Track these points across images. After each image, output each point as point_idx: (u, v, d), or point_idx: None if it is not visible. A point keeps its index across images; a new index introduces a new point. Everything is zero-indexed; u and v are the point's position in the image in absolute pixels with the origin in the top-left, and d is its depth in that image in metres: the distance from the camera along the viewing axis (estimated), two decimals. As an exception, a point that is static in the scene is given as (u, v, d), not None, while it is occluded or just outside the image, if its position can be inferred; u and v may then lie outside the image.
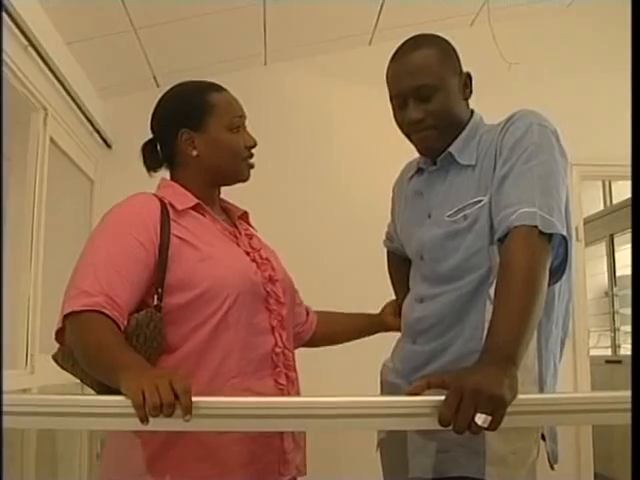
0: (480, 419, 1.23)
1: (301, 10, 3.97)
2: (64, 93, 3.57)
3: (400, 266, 2.08)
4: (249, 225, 1.94)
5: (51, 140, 3.43)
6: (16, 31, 2.84)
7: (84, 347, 1.49)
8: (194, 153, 1.78)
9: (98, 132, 4.20)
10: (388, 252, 2.21)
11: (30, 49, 3.04)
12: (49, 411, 1.30)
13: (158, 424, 1.23)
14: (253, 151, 1.83)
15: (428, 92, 1.72)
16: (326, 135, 4.55)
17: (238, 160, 1.80)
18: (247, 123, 1.85)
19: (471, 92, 1.80)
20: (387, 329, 2.07)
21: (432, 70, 1.72)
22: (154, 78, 4.30)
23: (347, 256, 4.21)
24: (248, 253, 1.77)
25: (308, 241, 4.15)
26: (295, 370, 1.79)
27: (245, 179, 1.84)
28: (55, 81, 3.41)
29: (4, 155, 2.57)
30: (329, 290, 3.77)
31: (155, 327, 1.59)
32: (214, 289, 1.63)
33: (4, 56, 2.70)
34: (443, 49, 1.77)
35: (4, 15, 2.64)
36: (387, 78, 1.80)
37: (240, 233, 1.85)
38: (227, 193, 1.92)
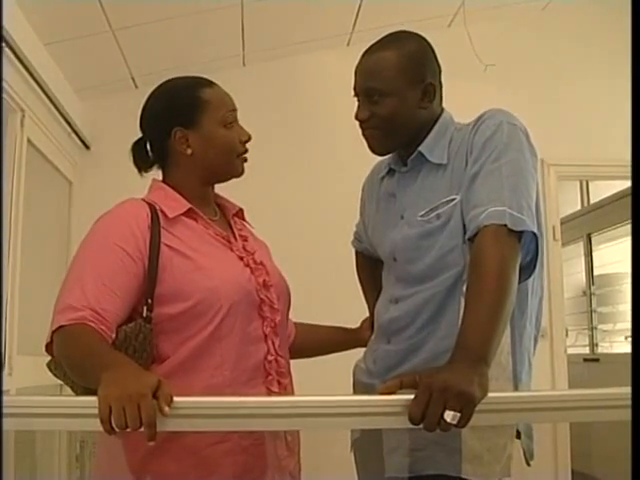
0: (449, 416, 1.24)
1: (279, 11, 3.98)
2: (42, 94, 3.55)
3: (369, 266, 2.08)
4: (244, 221, 1.91)
5: (28, 141, 3.41)
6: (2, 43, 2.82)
7: (70, 357, 1.48)
8: (188, 152, 1.73)
9: (76, 133, 4.18)
10: (356, 252, 2.19)
11: (7, 50, 3.02)
12: (28, 412, 1.30)
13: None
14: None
15: (376, 95, 1.73)
16: (305, 135, 4.56)
17: (233, 156, 1.76)
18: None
19: (430, 101, 1.76)
20: (365, 345, 2.00)
21: (384, 75, 1.73)
22: (132, 79, 4.30)
23: (327, 256, 4.21)
24: (242, 258, 1.73)
25: (285, 242, 4.14)
26: (289, 375, 1.77)
27: (240, 174, 1.80)
28: (33, 82, 3.39)
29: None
30: (314, 292, 3.80)
31: (144, 339, 1.57)
32: (207, 300, 1.60)
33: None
34: (407, 55, 1.74)
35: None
36: None
37: (234, 235, 1.81)
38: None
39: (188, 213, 1.72)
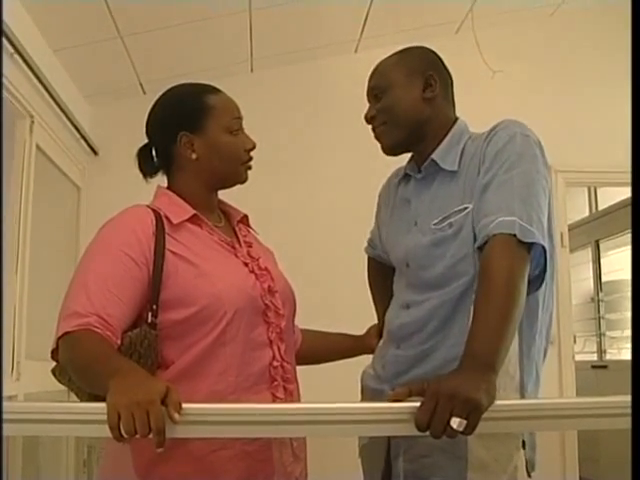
0: (455, 423, 1.24)
1: (287, 17, 3.99)
2: (50, 100, 3.56)
3: (381, 274, 2.08)
4: (249, 227, 1.91)
5: (37, 147, 3.42)
6: (2, 38, 2.84)
7: (76, 363, 1.48)
8: (193, 156, 1.73)
9: (84, 139, 4.20)
10: (369, 259, 2.19)
11: (16, 56, 3.04)
12: (35, 418, 1.30)
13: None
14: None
15: (379, 92, 1.81)
16: (312, 142, 4.56)
17: (238, 163, 1.77)
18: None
19: (433, 92, 1.79)
20: (371, 352, 2.00)
21: (384, 73, 1.83)
22: (140, 85, 4.31)
23: (333, 263, 4.22)
24: (247, 264, 1.73)
25: (291, 249, 4.13)
26: (295, 381, 1.76)
27: (243, 181, 1.80)
28: (41, 88, 3.40)
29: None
30: (320, 299, 3.80)
31: (149, 345, 1.57)
32: (211, 306, 1.60)
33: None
34: (407, 54, 1.85)
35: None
36: None
37: (239, 241, 1.81)
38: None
39: (192, 219, 1.72)
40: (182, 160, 1.76)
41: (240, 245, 1.80)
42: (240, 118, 1.80)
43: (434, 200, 1.78)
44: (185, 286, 1.61)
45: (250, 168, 1.80)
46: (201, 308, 1.60)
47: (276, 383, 1.68)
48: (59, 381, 1.61)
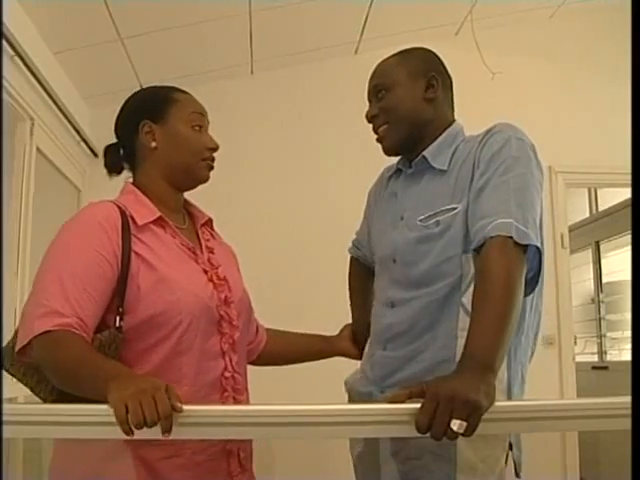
0: (455, 425, 1.24)
1: (287, 19, 3.99)
2: (51, 102, 3.57)
3: (363, 275, 2.09)
4: (212, 231, 1.90)
5: (37, 150, 3.43)
6: (2, 41, 2.84)
7: (59, 363, 1.46)
8: (152, 145, 1.75)
9: (85, 141, 4.20)
10: (352, 260, 2.20)
11: (17, 59, 3.04)
12: (36, 420, 1.31)
13: (140, 433, 1.24)
14: (215, 155, 1.80)
15: (381, 91, 1.83)
16: (312, 143, 4.56)
17: (197, 158, 1.76)
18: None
19: (435, 92, 1.81)
20: (343, 354, 2.02)
21: (386, 72, 1.84)
22: (141, 87, 4.30)
23: (327, 263, 4.21)
24: (206, 272, 1.72)
25: (287, 250, 4.13)
26: (246, 392, 1.77)
27: (204, 180, 1.79)
28: (42, 91, 3.41)
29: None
30: (293, 301, 3.80)
31: (116, 348, 1.56)
32: (167, 313, 1.59)
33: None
34: (410, 55, 1.86)
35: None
36: None
37: (201, 246, 1.80)
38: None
39: (157, 221, 1.71)
40: (143, 149, 1.78)
41: (202, 251, 1.79)
42: (204, 116, 1.81)
43: (421, 195, 1.80)
44: (144, 290, 1.60)
45: (212, 168, 1.80)
46: (157, 313, 1.59)
47: (227, 394, 1.68)
48: (7, 371, 1.60)
